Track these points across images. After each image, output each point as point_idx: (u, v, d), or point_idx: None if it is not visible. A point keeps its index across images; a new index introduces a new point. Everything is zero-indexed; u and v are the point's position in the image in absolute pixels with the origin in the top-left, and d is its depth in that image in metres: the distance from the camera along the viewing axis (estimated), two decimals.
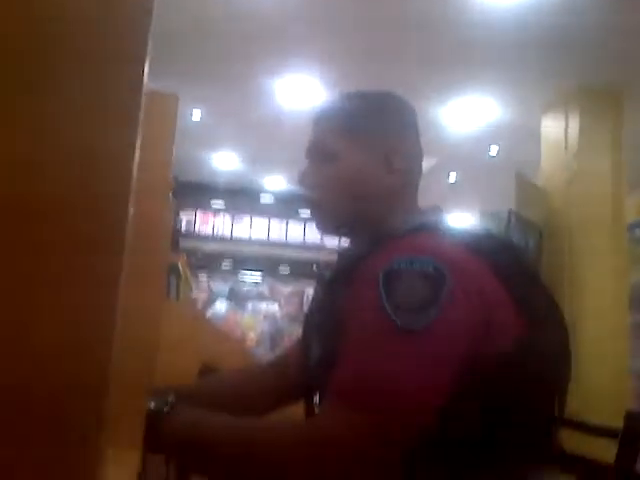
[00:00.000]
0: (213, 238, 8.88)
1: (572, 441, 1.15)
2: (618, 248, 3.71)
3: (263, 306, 9.00)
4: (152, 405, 0.87)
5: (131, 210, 0.34)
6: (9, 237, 0.31)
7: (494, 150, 5.60)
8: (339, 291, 0.95)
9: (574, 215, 3.76)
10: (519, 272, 0.93)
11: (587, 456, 0.80)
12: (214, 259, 9.07)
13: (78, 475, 0.31)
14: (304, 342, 1.07)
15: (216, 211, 8.96)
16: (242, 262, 9.22)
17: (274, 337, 8.40)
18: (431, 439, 0.78)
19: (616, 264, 3.68)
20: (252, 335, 8.47)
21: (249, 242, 9.01)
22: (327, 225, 1.08)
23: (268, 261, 9.29)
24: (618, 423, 1.02)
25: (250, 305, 8.96)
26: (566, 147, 3.95)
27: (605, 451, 1.00)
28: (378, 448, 0.77)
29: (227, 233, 8.99)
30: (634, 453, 0.91)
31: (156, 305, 0.87)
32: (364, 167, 1.03)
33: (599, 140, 3.89)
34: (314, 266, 8.58)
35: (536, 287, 0.96)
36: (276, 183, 8.18)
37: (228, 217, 9.01)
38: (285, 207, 8.73)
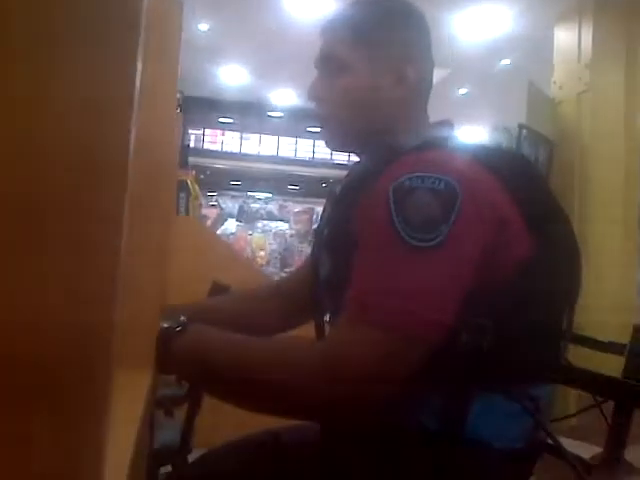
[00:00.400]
0: (222, 155, 8.83)
1: (579, 356, 1.17)
2: (629, 160, 3.67)
3: (273, 225, 9.05)
4: (164, 325, 0.87)
5: (133, 130, 0.32)
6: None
7: (506, 62, 5.44)
8: (349, 207, 0.93)
9: (586, 127, 3.69)
10: (530, 187, 0.91)
11: (594, 370, 0.81)
12: (223, 177, 9.05)
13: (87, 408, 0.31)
14: (313, 260, 1.07)
15: (224, 128, 8.87)
16: (251, 180, 9.20)
17: (284, 256, 8.49)
18: (441, 355, 0.78)
19: (627, 176, 3.64)
20: (262, 254, 8.56)
21: (258, 159, 8.96)
22: (336, 140, 1.05)
23: (277, 179, 9.27)
24: (624, 338, 1.04)
25: (260, 224, 9.02)
26: (579, 58, 3.84)
27: (611, 366, 1.02)
28: (394, 365, 0.78)
29: (236, 150, 8.93)
30: None
31: (166, 222, 0.87)
32: (374, 78, 1.00)
33: (613, 51, 3.77)
34: (323, 183, 8.55)
35: (547, 202, 0.94)
36: (285, 98, 8.03)
37: (237, 134, 8.92)
38: (294, 123, 8.61)
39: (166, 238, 0.86)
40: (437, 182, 0.79)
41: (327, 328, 1.04)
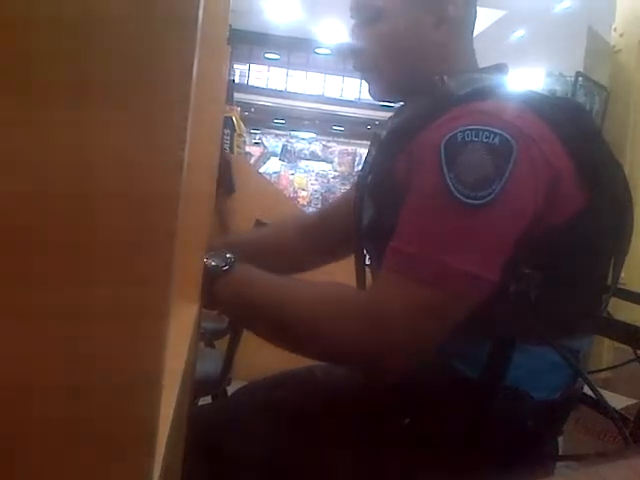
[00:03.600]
0: (267, 92, 8.74)
1: (622, 310, 1.17)
2: None
3: (315, 165, 9.00)
4: (212, 262, 0.89)
5: (195, 63, 0.33)
6: None
7: (566, 5, 5.20)
8: (395, 154, 0.92)
9: None
10: (584, 138, 0.88)
11: (635, 324, 0.80)
12: (267, 115, 8.98)
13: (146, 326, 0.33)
14: (357, 202, 1.06)
15: (270, 64, 8.75)
16: (295, 119, 9.11)
17: (325, 197, 8.48)
18: (487, 305, 0.78)
19: None
20: (304, 194, 8.56)
21: (303, 98, 8.84)
22: (380, 90, 1.02)
23: (322, 119, 9.15)
24: None
25: (302, 164, 8.98)
26: None
27: None
28: (435, 320, 0.78)
29: (281, 88, 8.82)
30: None
31: (213, 157, 0.87)
32: (412, 21, 0.96)
33: None
34: (368, 126, 8.41)
35: (601, 154, 0.91)
36: (334, 35, 7.82)
37: (283, 71, 8.80)
38: (342, 62, 8.43)
39: (212, 176, 0.87)
40: (491, 136, 0.77)
41: (367, 273, 1.05)
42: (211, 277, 0.88)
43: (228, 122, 3.01)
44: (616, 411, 0.82)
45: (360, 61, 1.01)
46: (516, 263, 0.78)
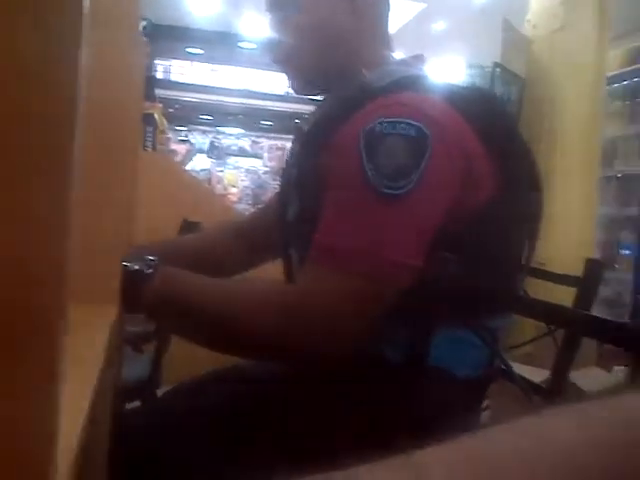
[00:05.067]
0: (191, 88, 8.59)
1: (539, 290, 1.21)
2: (595, 97, 3.68)
3: (245, 161, 8.94)
4: (134, 266, 0.87)
5: (83, 50, 0.31)
6: None
7: None
8: (318, 147, 0.93)
9: (557, 66, 3.69)
10: (499, 127, 0.92)
11: (551, 302, 0.84)
12: (193, 111, 8.84)
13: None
14: (282, 197, 1.07)
15: (193, 59, 8.60)
16: (222, 115, 9.00)
17: (256, 192, 8.44)
18: (406, 291, 0.80)
19: (592, 114, 3.66)
20: (234, 191, 8.49)
21: (229, 93, 8.74)
22: (300, 82, 1.03)
23: (250, 114, 9.08)
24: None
25: (231, 160, 8.90)
26: None
27: (570, 298, 1.06)
28: (361, 309, 0.80)
29: (205, 83, 8.69)
30: (591, 297, 0.96)
31: (131, 156, 0.85)
32: (326, 10, 0.97)
33: None
34: (297, 119, 8.40)
35: (514, 142, 0.95)
36: (259, 28, 7.77)
37: (206, 65, 8.67)
38: (268, 55, 8.39)
39: (132, 174, 0.85)
40: (408, 128, 0.79)
41: (294, 268, 1.05)
42: (134, 281, 0.85)
43: (150, 119, 2.95)
44: (531, 382, 0.86)
45: (278, 54, 1.01)
46: (435, 247, 0.81)
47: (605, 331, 0.63)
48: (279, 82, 8.65)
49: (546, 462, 0.24)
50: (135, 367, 1.45)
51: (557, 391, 0.82)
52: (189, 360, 1.49)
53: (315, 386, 0.88)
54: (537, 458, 0.25)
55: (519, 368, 0.88)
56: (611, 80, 4.11)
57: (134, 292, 0.84)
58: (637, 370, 0.54)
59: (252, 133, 9.31)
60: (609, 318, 0.64)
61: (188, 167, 7.33)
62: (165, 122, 3.43)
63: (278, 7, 1.00)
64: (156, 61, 7.76)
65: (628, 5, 4.39)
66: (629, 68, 4.28)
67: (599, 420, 0.26)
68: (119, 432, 0.78)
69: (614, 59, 4.16)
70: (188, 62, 8.61)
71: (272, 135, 9.33)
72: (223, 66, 8.67)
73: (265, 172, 8.85)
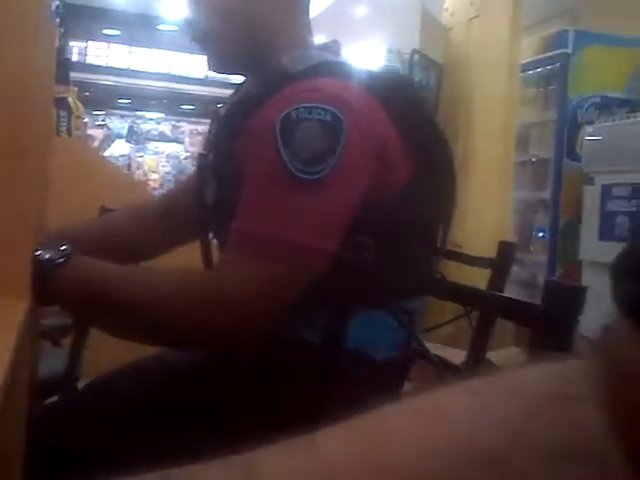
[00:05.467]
0: (108, 71, 8.31)
1: (456, 272, 1.25)
2: (510, 83, 3.81)
3: (165, 146, 8.75)
4: (46, 255, 0.84)
5: None
6: None
7: None
8: (235, 132, 0.92)
9: (474, 53, 3.79)
10: (414, 114, 0.94)
11: (465, 284, 0.87)
12: (110, 95, 8.56)
13: None
14: (199, 180, 1.05)
15: (110, 40, 8.32)
16: (142, 99, 8.77)
17: (178, 178, 8.29)
18: (324, 274, 0.81)
19: (507, 99, 3.79)
20: (154, 177, 8.31)
21: (149, 76, 8.50)
22: (216, 60, 1.02)
23: (170, 98, 8.88)
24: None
25: (151, 145, 8.69)
26: None
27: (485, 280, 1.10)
28: (279, 295, 0.81)
29: (124, 66, 8.42)
30: (504, 279, 1.00)
31: (42, 141, 0.82)
32: None
33: None
34: (219, 104, 8.28)
35: (428, 128, 0.97)
36: (179, 10, 7.58)
37: (124, 48, 8.40)
38: (186, 35, 8.19)
39: (43, 159, 0.81)
40: (323, 113, 0.80)
41: (213, 251, 1.05)
42: (45, 271, 0.82)
43: (64, 103, 2.83)
44: (449, 363, 0.89)
45: (196, 33, 1.00)
46: (351, 232, 0.82)
47: (515, 312, 0.66)
48: (200, 65, 8.48)
49: (432, 443, 0.25)
50: (53, 362, 1.40)
51: (473, 371, 0.85)
52: (110, 352, 1.46)
53: (235, 370, 0.89)
54: (423, 439, 0.26)
55: (440, 349, 0.91)
56: (525, 67, 4.26)
57: (46, 282, 0.81)
58: (534, 349, 0.57)
59: (173, 117, 9.11)
60: (519, 299, 0.67)
61: (107, 153, 7.12)
62: (81, 106, 3.31)
63: None
64: (71, 43, 7.46)
65: None
66: (542, 56, 4.44)
67: (488, 392, 0.27)
68: (36, 428, 0.76)
69: (528, 47, 4.31)
70: (105, 44, 8.32)
71: (193, 120, 9.17)
72: (142, 49, 8.42)
73: (186, 157, 8.70)
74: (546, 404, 0.25)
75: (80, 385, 1.27)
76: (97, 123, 7.94)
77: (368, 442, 0.27)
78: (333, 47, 1.02)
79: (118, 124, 8.63)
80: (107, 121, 8.48)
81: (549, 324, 0.53)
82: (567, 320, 0.52)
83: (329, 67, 0.93)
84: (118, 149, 8.28)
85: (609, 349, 0.25)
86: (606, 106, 4.19)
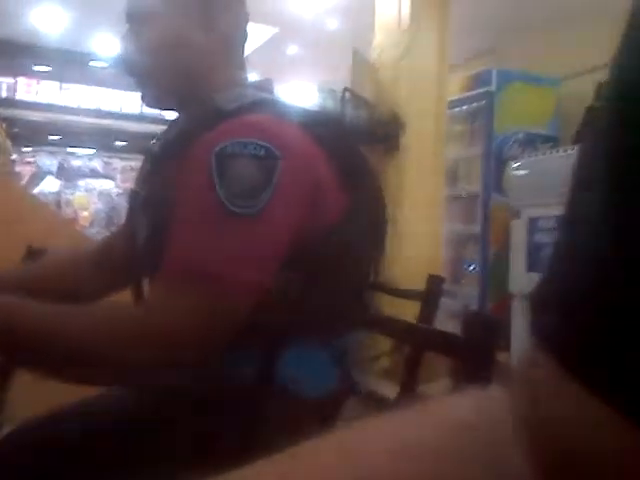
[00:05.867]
0: (38, 107, 8.12)
1: (391, 306, 1.27)
2: (438, 119, 3.94)
3: (97, 183, 8.56)
4: None
5: None
6: None
7: (335, 25, 5.56)
8: (167, 169, 0.92)
9: (402, 90, 3.91)
10: (344, 148, 0.96)
11: (400, 317, 0.88)
12: (40, 131, 8.34)
13: None
14: (130, 219, 1.04)
15: (41, 77, 8.14)
16: (72, 135, 8.57)
17: (110, 215, 8.11)
18: (255, 310, 0.81)
19: (436, 135, 3.92)
20: (85, 214, 8.10)
21: (80, 112, 8.35)
22: (150, 96, 1.02)
23: (102, 134, 8.73)
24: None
25: (82, 182, 8.48)
26: (399, 25, 4.03)
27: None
28: (212, 330, 0.79)
29: (54, 102, 8.25)
30: (433, 311, 1.03)
31: None
32: (182, 27, 0.97)
33: (428, 18, 3.99)
34: (153, 140, 8.18)
35: (360, 164, 0.99)
36: (111, 47, 7.51)
37: (55, 84, 8.24)
38: (120, 74, 8.12)
39: None
40: (258, 148, 0.81)
41: (146, 292, 1.03)
42: None
43: None
44: (381, 397, 0.90)
45: (130, 68, 1.00)
46: (284, 266, 0.82)
47: (439, 343, 0.68)
48: (133, 102, 8.41)
49: (355, 473, 0.26)
50: None
51: (402, 401, 0.86)
52: (36, 397, 1.40)
53: (164, 411, 0.87)
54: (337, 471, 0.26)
55: (376, 383, 0.91)
56: (453, 104, 4.42)
57: None
58: (457, 379, 0.59)
59: (104, 154, 8.94)
60: (442, 331, 0.68)
61: (36, 190, 6.90)
62: (9, 143, 3.21)
63: (134, 18, 0.99)
64: (0, 79, 7.29)
65: (467, 35, 4.76)
66: (468, 93, 4.62)
67: (407, 424, 0.28)
68: None
69: (455, 85, 4.48)
70: (35, 80, 8.14)
71: (125, 156, 9.02)
72: (74, 85, 8.28)
73: (119, 194, 8.52)
74: (460, 433, 0.26)
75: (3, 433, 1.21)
76: (26, 160, 7.71)
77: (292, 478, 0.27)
78: (267, 85, 1.04)
79: (48, 161, 8.40)
80: (36, 157, 8.25)
81: (468, 354, 0.54)
82: (485, 350, 0.53)
83: (263, 104, 0.94)
84: (48, 186, 8.04)
85: (524, 381, 0.25)
86: (530, 142, 4.38)
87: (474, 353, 0.54)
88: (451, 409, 0.28)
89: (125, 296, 1.11)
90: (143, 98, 1.04)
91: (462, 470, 0.24)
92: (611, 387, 0.19)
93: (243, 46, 1.05)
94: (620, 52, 0.21)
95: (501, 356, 0.57)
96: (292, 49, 6.51)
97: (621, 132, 0.20)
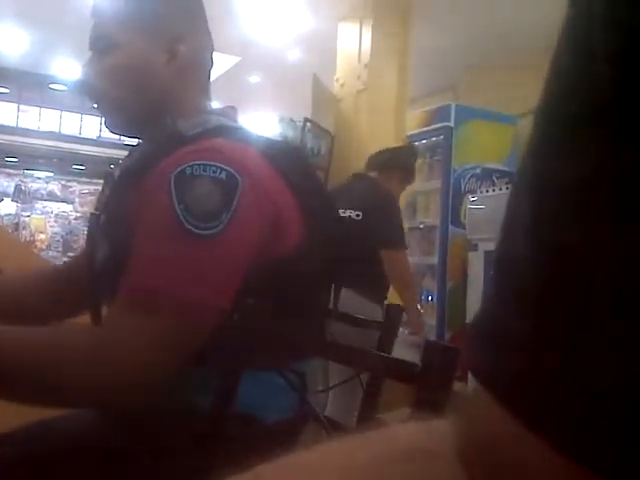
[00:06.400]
0: None
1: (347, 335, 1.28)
2: None
3: (54, 206, 8.41)
4: None
5: None
6: None
7: (297, 55, 5.64)
8: (127, 194, 0.92)
9: (362, 123, 3.98)
10: (304, 179, 0.98)
11: (352, 345, 0.89)
12: None
13: None
14: (89, 245, 1.03)
15: None
16: (30, 157, 8.43)
17: (67, 239, 7.97)
18: (213, 336, 0.81)
19: None
20: (42, 237, 7.95)
21: (38, 135, 8.24)
22: (112, 121, 1.02)
23: (60, 157, 8.61)
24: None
25: (39, 205, 8.33)
26: (359, 58, 4.11)
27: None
28: (170, 352, 0.79)
29: (12, 124, 8.12)
30: (392, 340, 1.04)
31: None
32: (145, 55, 0.98)
33: (388, 52, 4.09)
34: (112, 164, 8.10)
35: (318, 193, 1.01)
36: (70, 71, 7.44)
37: (13, 106, 8.12)
38: (80, 99, 8.05)
39: None
40: (218, 171, 0.81)
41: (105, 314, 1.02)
42: None
43: None
44: (339, 424, 0.90)
45: (93, 93, 1.00)
46: (242, 292, 0.83)
47: (397, 371, 0.69)
48: (92, 125, 8.33)
49: None
50: None
51: (361, 427, 0.86)
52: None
53: (121, 433, 0.86)
54: None
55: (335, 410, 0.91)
56: (411, 139, 4.51)
57: None
58: (415, 407, 0.60)
59: (62, 177, 8.81)
60: (400, 359, 0.69)
61: None
62: None
63: (97, 44, 0.99)
64: None
65: (426, 71, 4.88)
66: (427, 128, 4.72)
67: (359, 448, 0.29)
68: None
69: (414, 119, 4.57)
70: None
71: (84, 180, 8.90)
72: (32, 107, 8.17)
73: (76, 218, 8.38)
74: (410, 457, 0.27)
75: None
76: None
77: None
78: (230, 113, 1.05)
79: (5, 182, 8.24)
80: None
81: (426, 382, 0.56)
82: (442, 378, 0.55)
83: (226, 130, 0.96)
84: (4, 208, 7.88)
85: (466, 413, 0.26)
86: (487, 176, 4.49)
87: (432, 381, 0.55)
88: (403, 431, 0.29)
89: (85, 319, 1.10)
90: (106, 124, 1.04)
91: None
92: (535, 416, 0.20)
93: (208, 73, 1.06)
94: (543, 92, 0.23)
95: (457, 385, 0.59)
96: (254, 78, 6.57)
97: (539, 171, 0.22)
